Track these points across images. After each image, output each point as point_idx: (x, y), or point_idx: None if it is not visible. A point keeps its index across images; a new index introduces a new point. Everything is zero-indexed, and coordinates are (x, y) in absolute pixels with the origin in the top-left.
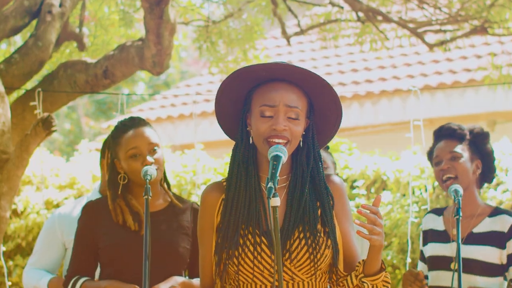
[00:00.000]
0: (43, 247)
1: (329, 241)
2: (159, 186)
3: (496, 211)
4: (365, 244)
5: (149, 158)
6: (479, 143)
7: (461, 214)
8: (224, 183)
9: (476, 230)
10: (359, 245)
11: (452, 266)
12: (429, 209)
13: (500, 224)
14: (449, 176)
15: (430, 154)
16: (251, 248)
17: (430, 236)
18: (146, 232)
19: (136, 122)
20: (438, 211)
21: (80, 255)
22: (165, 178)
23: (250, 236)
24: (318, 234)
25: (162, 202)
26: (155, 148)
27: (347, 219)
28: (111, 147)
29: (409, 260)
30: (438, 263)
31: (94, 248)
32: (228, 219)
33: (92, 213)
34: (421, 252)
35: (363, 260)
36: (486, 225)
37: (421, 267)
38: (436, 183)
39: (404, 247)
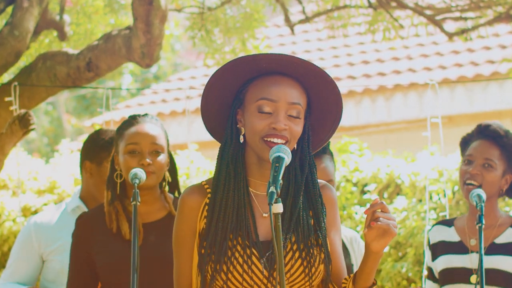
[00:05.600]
0: (18, 259)
1: (322, 255)
2: (158, 192)
3: None
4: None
5: (148, 159)
6: None
7: (483, 221)
8: (206, 186)
9: (498, 241)
10: (353, 257)
11: (472, 279)
12: (448, 216)
13: None
14: (472, 183)
15: (464, 144)
16: (240, 260)
17: (442, 248)
18: (135, 243)
19: (146, 119)
20: (447, 222)
21: (76, 276)
22: (174, 186)
23: (239, 248)
24: (312, 247)
25: (161, 211)
26: (158, 150)
27: (336, 230)
28: (116, 139)
29: (425, 272)
30: (455, 276)
31: (92, 266)
32: (215, 227)
33: (86, 226)
34: (430, 269)
35: (349, 276)
36: (508, 236)
37: (431, 286)
38: (457, 187)
39: (421, 259)
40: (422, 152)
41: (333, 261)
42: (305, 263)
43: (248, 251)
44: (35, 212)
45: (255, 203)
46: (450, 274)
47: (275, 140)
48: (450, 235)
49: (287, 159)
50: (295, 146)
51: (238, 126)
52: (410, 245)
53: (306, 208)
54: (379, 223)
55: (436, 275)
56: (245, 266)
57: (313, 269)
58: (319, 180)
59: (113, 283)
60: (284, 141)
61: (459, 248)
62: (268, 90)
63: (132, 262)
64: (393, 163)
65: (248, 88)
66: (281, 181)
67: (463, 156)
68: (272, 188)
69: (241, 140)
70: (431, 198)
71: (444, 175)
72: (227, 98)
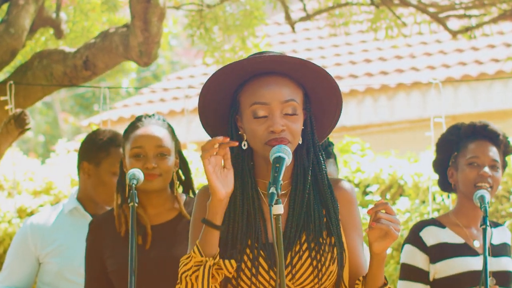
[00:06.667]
0: (14, 261)
1: (335, 254)
2: (167, 194)
3: (494, 223)
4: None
5: (153, 163)
6: (506, 155)
7: (488, 223)
8: None
9: (494, 242)
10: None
11: (490, 281)
12: None
13: (505, 235)
14: (485, 185)
15: (448, 144)
16: (249, 264)
17: (446, 251)
18: (133, 245)
19: (152, 120)
20: (436, 223)
21: (93, 282)
22: (188, 185)
23: (248, 251)
24: (323, 246)
25: (171, 212)
26: (164, 153)
27: (355, 230)
28: (122, 142)
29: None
30: (475, 279)
31: (106, 271)
32: (225, 234)
33: (97, 231)
34: (421, 271)
35: (363, 277)
36: (502, 236)
37: None
38: None
39: None
40: (425, 152)
41: (353, 261)
42: (314, 263)
43: (256, 253)
44: (31, 213)
45: (265, 204)
46: (469, 278)
47: (277, 144)
48: (451, 236)
49: (288, 159)
50: (300, 140)
51: (239, 133)
52: None
53: (317, 203)
54: (379, 224)
55: (432, 277)
56: (253, 270)
57: (324, 269)
58: (336, 178)
59: (123, 287)
60: (286, 143)
61: (466, 250)
62: (259, 93)
63: (130, 265)
64: (395, 163)
65: (242, 91)
66: (281, 182)
67: (449, 156)
68: (272, 189)
69: (245, 146)
70: (434, 199)
71: None
72: (224, 105)
